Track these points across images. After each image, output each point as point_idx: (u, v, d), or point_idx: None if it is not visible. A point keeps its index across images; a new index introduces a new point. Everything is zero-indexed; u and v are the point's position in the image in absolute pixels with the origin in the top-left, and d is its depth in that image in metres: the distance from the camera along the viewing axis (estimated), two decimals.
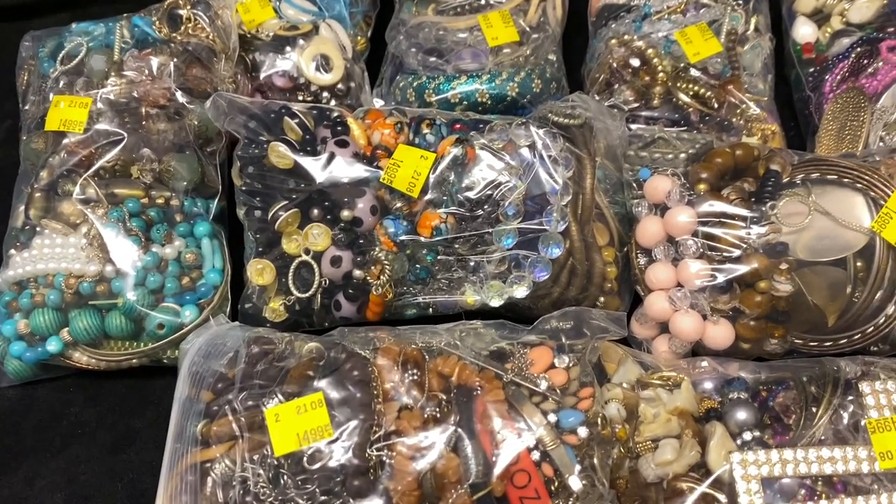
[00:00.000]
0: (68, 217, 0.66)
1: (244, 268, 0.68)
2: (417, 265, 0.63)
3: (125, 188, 0.66)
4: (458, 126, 0.64)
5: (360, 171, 0.63)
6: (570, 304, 0.64)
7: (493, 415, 0.52)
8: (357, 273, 0.63)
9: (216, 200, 0.70)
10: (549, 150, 0.62)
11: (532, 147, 0.62)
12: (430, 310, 0.66)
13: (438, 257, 0.63)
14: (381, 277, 0.62)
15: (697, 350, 0.62)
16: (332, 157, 0.63)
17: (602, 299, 0.65)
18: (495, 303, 0.63)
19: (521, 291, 0.63)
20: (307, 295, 0.63)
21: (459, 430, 0.52)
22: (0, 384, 0.68)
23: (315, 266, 0.63)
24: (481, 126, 0.64)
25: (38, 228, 0.66)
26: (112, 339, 0.65)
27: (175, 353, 0.65)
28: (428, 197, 0.62)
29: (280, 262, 0.64)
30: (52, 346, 0.64)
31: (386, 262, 0.62)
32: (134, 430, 0.65)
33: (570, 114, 0.64)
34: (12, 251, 0.66)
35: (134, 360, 0.65)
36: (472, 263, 0.63)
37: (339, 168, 0.63)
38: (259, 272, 0.64)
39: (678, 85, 0.74)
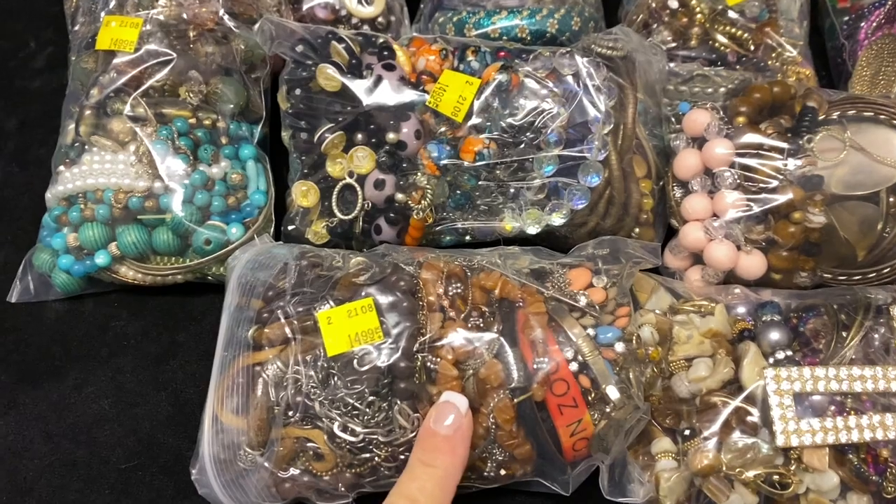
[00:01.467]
0: (118, 134, 0.67)
1: (286, 193, 0.70)
2: (458, 191, 0.65)
3: (173, 108, 0.68)
4: (502, 54, 0.65)
5: (405, 95, 0.64)
6: (605, 233, 0.65)
7: (535, 326, 0.54)
8: (399, 196, 0.64)
9: (260, 126, 0.72)
10: (592, 80, 0.63)
11: (576, 76, 0.63)
12: (468, 237, 0.68)
13: (479, 183, 0.64)
14: (423, 202, 0.64)
15: (729, 280, 0.64)
16: (378, 80, 0.64)
17: (637, 230, 0.66)
18: (533, 230, 0.65)
19: (558, 219, 0.64)
20: (350, 217, 0.65)
21: (502, 338, 0.54)
22: (48, 296, 0.70)
23: (358, 189, 0.64)
24: (525, 55, 0.65)
25: (87, 146, 0.68)
26: (159, 254, 0.66)
27: (220, 270, 0.67)
28: (472, 122, 0.63)
29: (324, 184, 0.66)
30: (101, 259, 0.66)
31: (428, 186, 0.63)
32: (177, 344, 0.67)
33: (613, 46, 0.65)
34: (62, 167, 0.68)
35: (179, 276, 0.67)
36: (511, 190, 0.64)
37: (385, 92, 0.64)
38: (304, 193, 0.66)
39: (715, 27, 0.75)
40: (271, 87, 0.74)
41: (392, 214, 0.65)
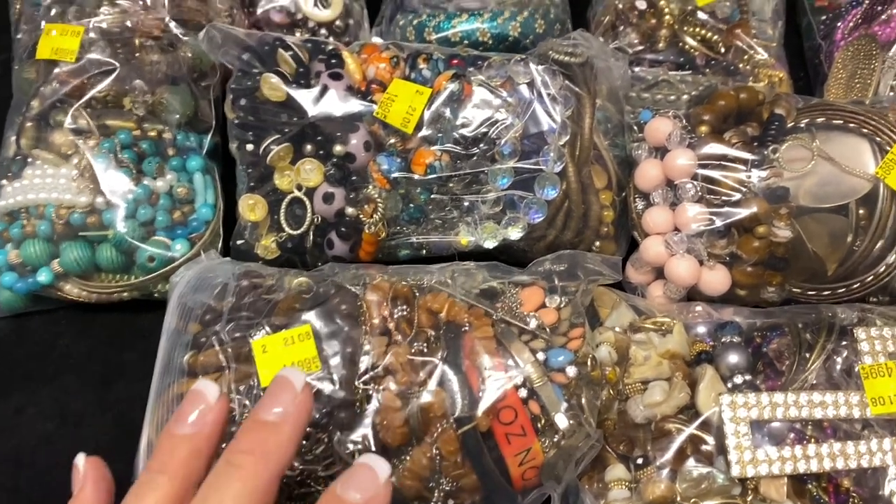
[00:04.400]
0: (59, 147, 0.65)
1: (237, 205, 0.68)
2: (411, 204, 0.62)
3: (117, 119, 0.65)
4: (455, 62, 0.63)
5: (353, 105, 0.61)
6: (565, 247, 0.63)
7: (481, 351, 0.52)
8: (349, 210, 0.62)
9: (209, 135, 0.69)
10: (547, 88, 0.60)
11: (531, 84, 0.61)
12: (424, 251, 0.65)
13: (432, 196, 0.62)
14: (374, 216, 0.61)
15: (693, 296, 0.61)
16: (325, 89, 0.61)
17: (598, 243, 0.64)
18: (489, 244, 0.62)
19: (515, 233, 0.62)
20: (299, 232, 0.63)
21: (446, 365, 0.51)
22: None
23: (307, 202, 0.62)
24: (479, 62, 0.63)
25: (29, 159, 0.66)
26: (103, 271, 0.64)
27: (166, 287, 0.64)
28: (422, 133, 0.61)
29: (272, 197, 0.64)
30: (43, 276, 0.63)
31: (379, 199, 0.61)
32: (124, 363, 0.65)
33: (571, 52, 0.62)
34: (3, 181, 0.66)
35: (125, 294, 0.65)
36: (466, 203, 0.62)
37: (333, 102, 0.61)
38: (251, 207, 0.63)
39: (685, 28, 0.72)
40: (221, 95, 0.71)
41: (343, 229, 0.63)
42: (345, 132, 0.61)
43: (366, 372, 0.51)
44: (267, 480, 0.40)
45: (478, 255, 0.63)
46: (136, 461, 0.53)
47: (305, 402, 0.42)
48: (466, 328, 0.53)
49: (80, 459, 0.44)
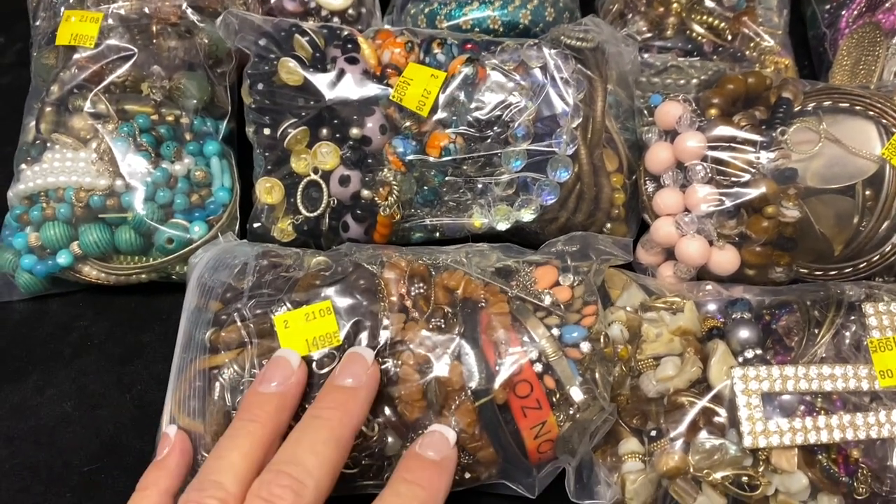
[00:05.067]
0: (79, 132, 0.66)
1: (254, 188, 0.69)
2: (425, 186, 0.63)
3: (135, 104, 0.67)
4: (469, 46, 0.64)
5: (369, 89, 0.62)
6: (576, 229, 0.64)
7: (497, 327, 0.53)
8: (365, 193, 0.63)
9: (226, 121, 0.70)
10: (560, 72, 0.62)
11: (544, 68, 0.62)
12: (437, 233, 0.66)
13: (446, 179, 0.63)
14: (389, 198, 0.62)
15: (702, 276, 0.62)
16: (341, 73, 0.62)
17: (609, 225, 0.65)
18: (502, 226, 0.64)
19: (528, 215, 0.63)
20: (315, 214, 0.64)
21: (463, 340, 0.52)
22: (11, 297, 0.69)
23: (323, 185, 0.63)
24: (493, 47, 0.64)
25: (48, 143, 0.67)
26: (122, 253, 0.65)
27: (184, 269, 0.66)
28: (437, 117, 0.61)
29: (289, 180, 0.65)
30: (63, 258, 0.64)
31: (394, 182, 0.62)
32: (142, 344, 0.66)
33: (582, 37, 0.63)
34: (23, 165, 0.67)
35: (143, 275, 0.66)
36: (479, 186, 0.63)
37: (349, 86, 0.62)
38: (268, 190, 0.64)
39: (692, 16, 0.74)
40: (237, 82, 0.72)
41: (359, 211, 0.64)
42: (361, 116, 0.62)
43: (385, 347, 0.52)
44: (348, 434, 0.47)
45: (490, 237, 0.64)
46: (157, 438, 0.53)
47: (375, 373, 0.50)
48: (482, 305, 0.54)
49: (172, 429, 0.51)
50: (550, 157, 0.61)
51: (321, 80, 0.62)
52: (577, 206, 0.64)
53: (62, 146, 0.66)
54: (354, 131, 0.62)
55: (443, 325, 0.53)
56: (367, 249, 0.59)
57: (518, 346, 0.53)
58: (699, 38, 0.73)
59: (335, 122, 0.62)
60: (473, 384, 0.52)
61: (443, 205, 0.64)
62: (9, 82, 0.84)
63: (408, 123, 0.62)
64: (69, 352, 0.66)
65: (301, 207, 0.64)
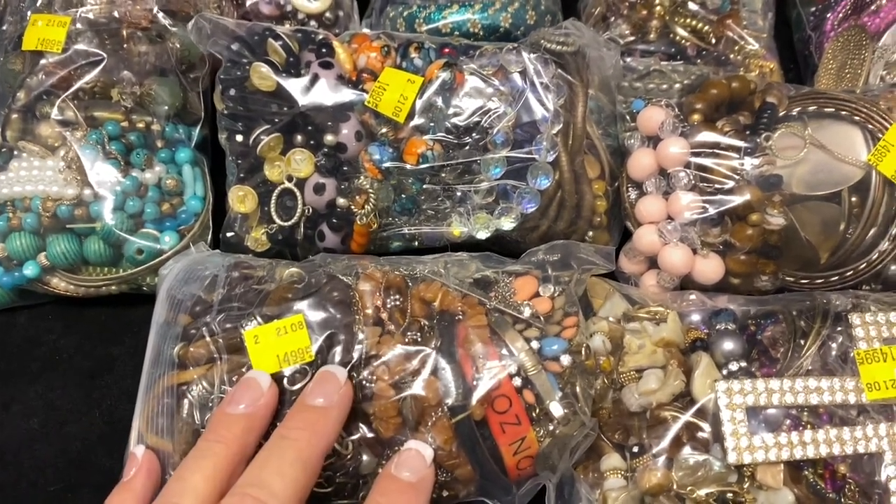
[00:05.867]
0: (46, 139, 0.64)
1: (226, 197, 0.67)
2: (403, 194, 0.62)
3: (105, 111, 0.65)
4: (447, 50, 0.62)
5: (344, 94, 0.61)
6: (558, 237, 0.62)
7: (475, 340, 0.51)
8: (341, 201, 0.61)
9: (198, 128, 0.69)
10: (540, 77, 0.60)
11: (523, 73, 0.60)
12: (416, 242, 0.65)
13: (424, 186, 0.61)
14: (366, 206, 0.61)
15: (686, 285, 0.61)
16: (315, 78, 0.61)
17: (591, 234, 0.64)
18: (482, 235, 0.62)
19: (508, 223, 0.61)
20: (290, 223, 0.62)
21: (440, 354, 0.51)
22: None
23: (298, 193, 0.62)
24: (471, 51, 0.62)
25: (14, 151, 0.65)
26: (90, 264, 0.64)
27: (154, 281, 0.64)
28: (414, 123, 0.60)
29: (262, 189, 0.63)
30: (30, 270, 0.63)
31: (371, 190, 0.61)
32: (112, 358, 0.65)
33: (563, 41, 0.62)
34: None
35: (113, 287, 0.64)
36: (458, 194, 0.62)
37: (323, 91, 0.61)
38: (241, 199, 0.63)
39: (675, 19, 0.72)
40: (211, 87, 0.71)
41: (334, 220, 0.62)
42: (335, 122, 0.60)
43: (359, 362, 0.50)
44: (317, 455, 0.45)
45: (469, 246, 0.63)
46: (125, 455, 0.51)
47: (348, 392, 0.48)
48: (460, 317, 0.52)
49: (140, 450, 0.49)
50: (530, 164, 0.60)
51: (294, 86, 0.61)
52: (558, 214, 0.62)
53: (29, 154, 0.64)
54: (329, 138, 0.60)
55: (419, 339, 0.52)
56: (343, 260, 0.57)
57: (496, 360, 0.51)
58: (682, 41, 0.72)
59: (309, 128, 0.61)
60: (450, 400, 0.50)
61: (421, 213, 0.63)
62: None
63: (384, 130, 0.60)
64: (37, 366, 0.64)
65: (275, 216, 0.62)
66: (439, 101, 0.60)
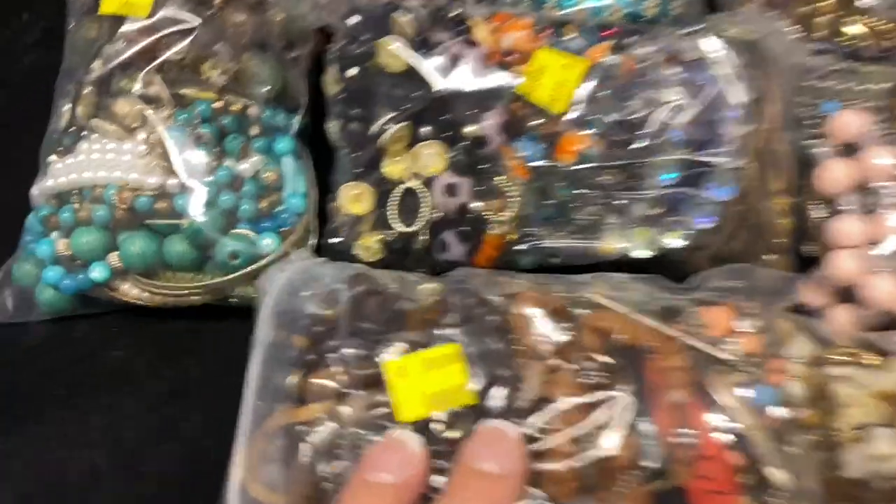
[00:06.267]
0: (124, 118, 0.54)
1: (327, 198, 0.58)
2: (548, 200, 0.52)
3: (195, 88, 0.55)
4: (611, 31, 0.53)
5: (489, 79, 0.51)
6: (730, 259, 0.53)
7: (673, 385, 0.41)
8: (475, 205, 0.51)
9: (300, 115, 0.59)
10: (725, 68, 0.50)
11: (703, 62, 0.51)
12: (554, 258, 0.55)
13: (576, 192, 0.51)
14: (506, 212, 0.51)
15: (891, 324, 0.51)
16: (455, 59, 0.51)
17: (769, 257, 0.54)
18: (642, 253, 0.52)
19: (676, 240, 0.51)
20: (413, 229, 0.52)
21: (630, 402, 0.41)
22: (29, 317, 0.57)
23: (425, 194, 0.52)
24: (640, 33, 0.53)
25: (85, 132, 0.55)
26: (171, 268, 0.54)
27: (246, 291, 0.54)
28: (572, 115, 0.50)
29: (380, 187, 0.53)
30: (97, 272, 0.53)
31: (513, 193, 0.51)
32: (191, 381, 0.54)
33: (746, 29, 0.52)
34: (53, 157, 0.55)
35: (196, 297, 0.54)
36: (617, 202, 0.52)
37: (464, 74, 0.51)
38: (355, 198, 0.53)
39: (846, 17, 0.63)
40: (313, 70, 0.61)
41: (464, 228, 0.52)
42: (478, 110, 0.50)
43: (527, 408, 0.40)
44: None
45: (615, 267, 0.52)
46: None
47: (523, 457, 0.38)
48: (649, 355, 0.42)
49: None
50: (710, 170, 0.50)
51: (430, 67, 0.51)
52: (735, 232, 0.52)
53: (103, 135, 0.54)
54: (469, 129, 0.50)
55: (599, 381, 0.41)
56: (481, 276, 0.47)
57: (699, 412, 0.41)
58: (854, 42, 0.62)
59: (444, 117, 0.51)
60: (646, 461, 0.40)
61: (568, 223, 0.53)
62: (32, 62, 0.72)
63: (536, 121, 0.50)
64: (99, 388, 0.54)
65: (396, 221, 0.52)
66: (604, 91, 0.50)
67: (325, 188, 0.58)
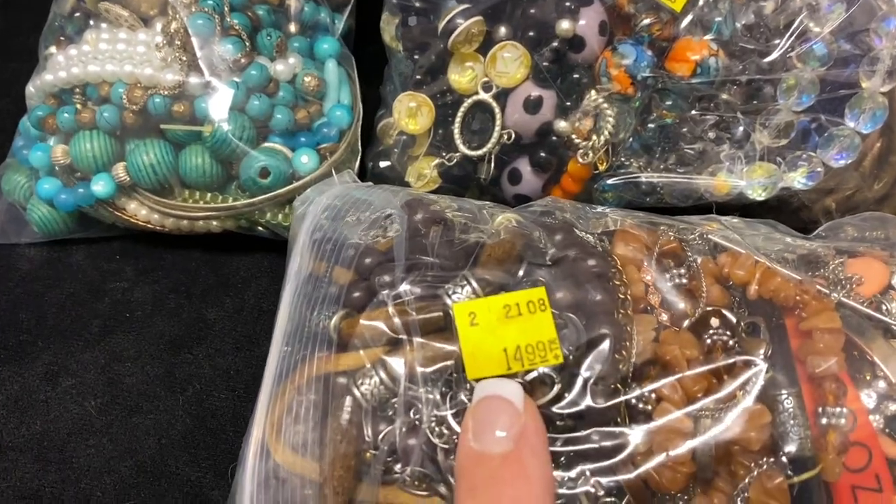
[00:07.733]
0: (139, 4, 0.45)
1: (377, 115, 0.49)
2: (651, 123, 0.42)
3: None
4: None
5: None
6: (864, 206, 0.44)
7: (826, 352, 0.32)
8: (561, 126, 0.43)
9: (345, 14, 0.50)
10: None
11: None
12: (649, 198, 0.45)
13: (691, 113, 0.42)
14: (597, 136, 0.42)
15: None
16: None
17: None
18: (759, 194, 0.43)
19: (802, 179, 0.42)
20: (480, 152, 0.43)
21: (769, 370, 0.32)
22: (20, 238, 0.49)
23: (497, 110, 0.43)
24: None
25: (91, 20, 0.47)
26: (188, 185, 0.46)
27: (278, 217, 0.46)
28: (692, 17, 0.41)
29: (441, 100, 0.44)
30: (100, 186, 0.45)
31: (609, 112, 0.41)
32: (206, 323, 0.47)
33: None
34: (52, 49, 0.48)
35: (216, 221, 0.46)
36: (736, 129, 0.42)
37: None
38: (412, 111, 0.44)
39: None
40: None
41: (543, 154, 0.43)
42: (573, 4, 0.41)
43: (632, 373, 0.31)
44: None
45: (721, 209, 0.43)
46: (236, 480, 0.33)
47: (535, 423, 0.30)
48: (796, 311, 0.33)
49: None
50: (853, 93, 0.40)
51: None
52: (874, 173, 0.43)
53: (113, 22, 0.45)
54: (564, 26, 0.41)
55: (726, 343, 0.32)
56: (568, 208, 0.39)
57: (852, 387, 0.32)
58: None
59: (530, 12, 0.42)
60: (787, 445, 0.31)
61: (672, 152, 0.43)
62: None
63: (647, 21, 0.41)
64: (98, 326, 0.47)
65: (459, 141, 0.43)
66: None
67: (370, 104, 0.49)
